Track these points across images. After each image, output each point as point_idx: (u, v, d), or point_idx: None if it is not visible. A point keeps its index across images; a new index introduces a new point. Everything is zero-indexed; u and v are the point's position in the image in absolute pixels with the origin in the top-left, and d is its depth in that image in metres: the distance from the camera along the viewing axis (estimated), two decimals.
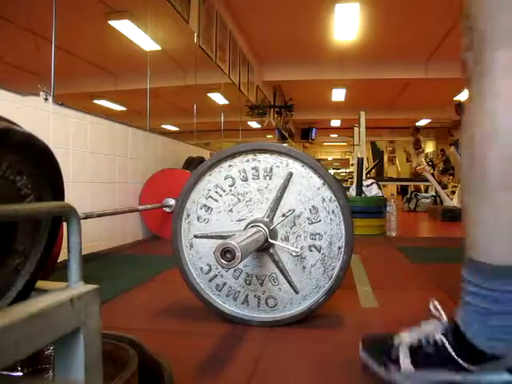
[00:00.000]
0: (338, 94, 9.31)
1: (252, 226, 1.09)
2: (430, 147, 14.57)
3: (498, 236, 0.68)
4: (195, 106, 4.09)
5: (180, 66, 4.03)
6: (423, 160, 8.86)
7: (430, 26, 5.53)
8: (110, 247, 2.43)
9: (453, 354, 0.71)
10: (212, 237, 1.15)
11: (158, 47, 3.25)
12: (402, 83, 8.14)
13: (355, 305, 1.34)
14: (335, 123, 12.61)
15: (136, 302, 1.38)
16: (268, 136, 9.80)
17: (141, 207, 2.54)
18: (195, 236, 1.16)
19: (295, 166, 1.12)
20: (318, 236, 1.11)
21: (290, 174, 1.11)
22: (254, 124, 8.35)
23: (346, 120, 10.35)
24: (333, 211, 1.10)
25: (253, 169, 1.14)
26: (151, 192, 2.77)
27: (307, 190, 1.11)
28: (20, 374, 0.61)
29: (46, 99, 1.91)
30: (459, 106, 6.27)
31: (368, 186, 3.99)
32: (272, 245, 1.10)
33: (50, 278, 0.57)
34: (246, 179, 1.14)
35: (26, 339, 0.37)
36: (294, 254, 1.10)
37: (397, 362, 0.77)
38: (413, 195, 6.39)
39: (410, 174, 9.70)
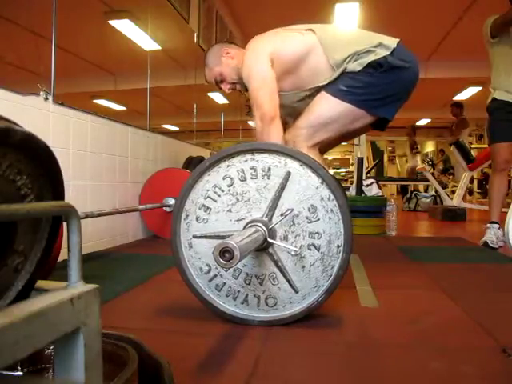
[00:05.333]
0: None
1: (251, 226, 1.09)
2: (429, 147, 14.57)
3: None
4: (195, 106, 4.08)
5: (180, 65, 4.02)
6: (419, 160, 8.86)
7: (430, 26, 5.52)
8: (110, 247, 2.43)
9: None
10: (211, 237, 1.15)
11: (157, 47, 3.24)
12: None
13: (355, 304, 1.34)
14: None
15: (136, 302, 1.38)
16: None
17: (141, 207, 2.54)
18: (194, 236, 1.17)
19: (293, 166, 1.12)
20: (316, 235, 1.11)
21: (289, 174, 1.12)
22: (254, 124, 8.35)
23: None
24: (331, 210, 1.10)
25: (251, 168, 1.14)
26: (151, 192, 2.77)
27: (306, 189, 1.11)
28: (20, 373, 0.61)
29: (46, 99, 1.91)
30: (455, 106, 6.28)
31: (368, 185, 4.00)
32: (271, 244, 1.10)
33: (49, 278, 0.57)
34: (244, 179, 1.14)
35: (26, 339, 0.37)
36: (293, 253, 1.10)
37: None
38: (413, 195, 6.38)
39: (406, 174, 9.72)
